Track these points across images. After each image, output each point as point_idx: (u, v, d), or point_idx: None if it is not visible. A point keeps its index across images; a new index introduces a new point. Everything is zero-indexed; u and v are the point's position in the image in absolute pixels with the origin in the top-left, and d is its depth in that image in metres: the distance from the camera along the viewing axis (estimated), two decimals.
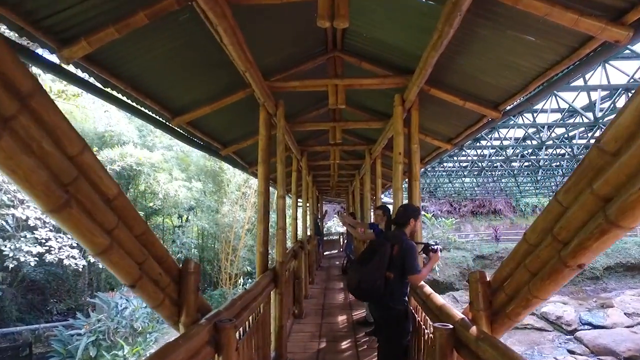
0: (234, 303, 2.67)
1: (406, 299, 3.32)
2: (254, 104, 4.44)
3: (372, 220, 6.67)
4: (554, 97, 9.69)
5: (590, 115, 9.09)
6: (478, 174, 19.18)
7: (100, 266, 17.54)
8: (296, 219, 7.64)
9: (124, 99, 3.48)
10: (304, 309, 6.63)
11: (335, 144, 7.13)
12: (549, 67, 3.09)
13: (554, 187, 24.72)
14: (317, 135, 7.75)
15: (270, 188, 4.66)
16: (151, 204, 20.23)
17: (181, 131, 4.63)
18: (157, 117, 4.08)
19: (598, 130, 11.19)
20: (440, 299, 2.70)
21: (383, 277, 3.22)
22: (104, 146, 17.67)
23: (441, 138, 5.76)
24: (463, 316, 2.24)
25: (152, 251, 1.95)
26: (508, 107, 4.07)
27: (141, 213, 20.77)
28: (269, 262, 4.33)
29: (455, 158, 16.00)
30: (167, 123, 4.23)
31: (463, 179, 21.21)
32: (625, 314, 17.03)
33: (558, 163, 17.91)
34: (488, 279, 2.19)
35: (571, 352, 14.65)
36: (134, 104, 3.61)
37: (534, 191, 25.17)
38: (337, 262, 13.74)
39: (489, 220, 31.11)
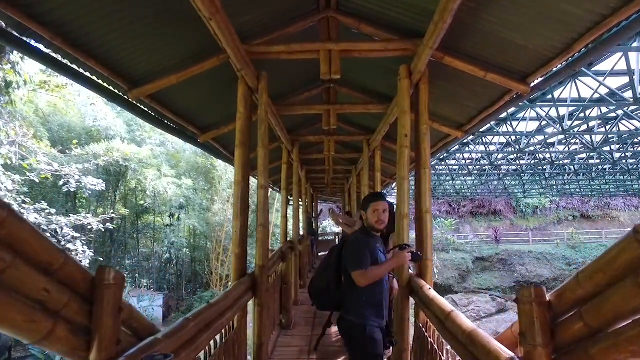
0: (184, 326, 1.93)
1: (368, 311, 2.60)
2: (232, 77, 3.70)
3: None
4: (530, 109, 9.83)
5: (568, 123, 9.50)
6: (480, 172, 18.48)
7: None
8: (286, 217, 6.87)
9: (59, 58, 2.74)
10: (292, 317, 5.90)
11: (330, 132, 6.44)
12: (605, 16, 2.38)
13: (558, 188, 24.15)
14: (310, 123, 7.02)
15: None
16: (142, 202, 19.45)
17: (144, 108, 3.89)
18: (111, 88, 3.34)
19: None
20: (468, 321, 1.96)
21: (333, 280, 2.82)
22: (91, 141, 16.91)
23: (450, 124, 5.04)
24: (512, 355, 1.50)
25: (27, 252, 1.21)
26: (538, 79, 3.36)
27: (131, 211, 20.05)
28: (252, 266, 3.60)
29: (459, 155, 15.30)
30: (123, 96, 3.49)
31: (464, 178, 20.47)
32: None
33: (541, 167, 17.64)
34: (548, 297, 1.45)
35: None
36: (74, 65, 2.88)
37: (536, 191, 24.53)
38: None
39: (489, 221, 30.42)
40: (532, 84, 3.36)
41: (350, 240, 2.71)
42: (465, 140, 12.85)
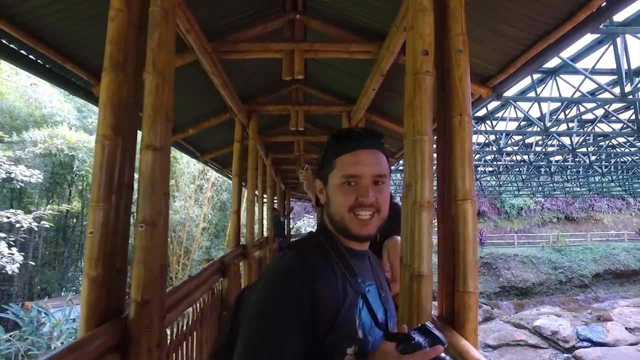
0: None
1: None
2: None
3: None
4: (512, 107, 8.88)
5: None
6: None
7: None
8: (238, 213, 5.09)
9: None
10: None
11: (299, 101, 4.79)
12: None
13: (544, 189, 23.19)
14: (270, 89, 5.33)
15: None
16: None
17: None
18: None
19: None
20: None
21: None
22: (36, 126, 14.72)
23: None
24: None
25: None
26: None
27: (80, 205, 17.90)
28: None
29: None
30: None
31: None
32: (626, 328, 15.31)
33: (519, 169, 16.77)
34: None
35: None
36: None
37: (521, 191, 23.52)
38: None
39: None
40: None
41: (263, 283, 0.88)
42: None
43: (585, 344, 14.57)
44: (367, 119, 4.99)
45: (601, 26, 4.52)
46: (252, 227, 5.36)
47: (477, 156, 13.64)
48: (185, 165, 16.55)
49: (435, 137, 1.94)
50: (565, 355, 14.19)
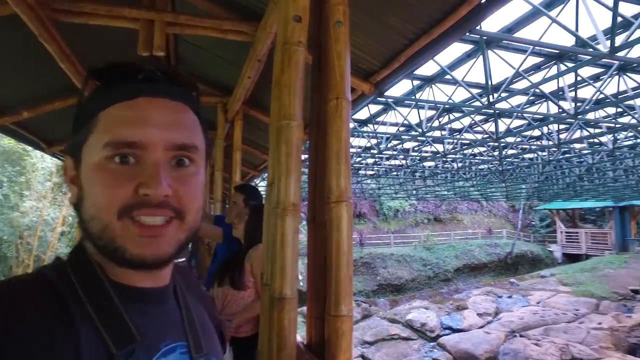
0: None
1: None
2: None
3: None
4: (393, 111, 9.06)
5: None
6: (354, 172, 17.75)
7: None
8: None
9: None
10: None
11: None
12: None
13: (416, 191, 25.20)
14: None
15: None
16: None
17: None
18: None
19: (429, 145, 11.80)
20: None
21: None
22: None
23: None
24: None
25: None
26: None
27: None
28: None
29: None
30: None
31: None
32: (477, 314, 17.32)
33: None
34: None
35: None
36: None
37: (397, 194, 25.22)
38: None
39: (354, 224, 30.60)
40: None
41: None
42: None
43: (447, 331, 16.03)
44: (245, 113, 4.55)
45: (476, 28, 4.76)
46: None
47: (359, 159, 14.07)
48: (39, 159, 14.09)
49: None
50: (431, 343, 15.43)
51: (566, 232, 29.25)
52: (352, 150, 12.08)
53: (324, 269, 1.43)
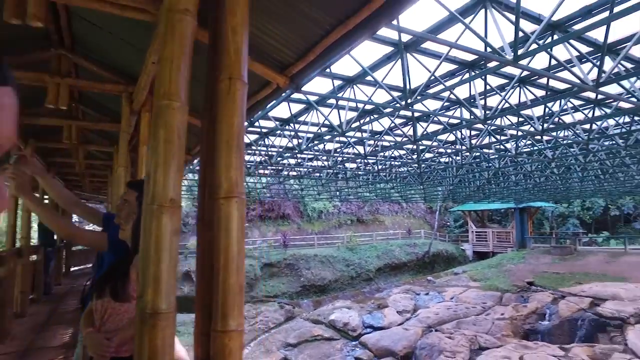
0: None
1: None
2: None
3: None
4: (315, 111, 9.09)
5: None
6: (276, 173, 17.48)
7: None
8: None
9: None
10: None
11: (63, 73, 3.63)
12: None
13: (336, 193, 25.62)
14: None
15: None
16: None
17: None
18: None
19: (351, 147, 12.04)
20: None
21: None
22: None
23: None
24: None
25: None
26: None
27: None
28: None
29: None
30: None
31: (259, 177, 19.19)
32: (397, 312, 17.99)
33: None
34: None
35: (358, 359, 14.28)
36: None
37: (319, 196, 25.42)
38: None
39: (277, 225, 30.27)
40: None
41: None
42: (249, 141, 11.24)
43: (368, 330, 16.41)
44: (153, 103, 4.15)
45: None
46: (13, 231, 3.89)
47: (280, 159, 13.86)
48: None
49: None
50: (354, 342, 15.69)
51: (476, 232, 31.75)
52: (273, 150, 11.86)
53: (212, 276, 1.22)
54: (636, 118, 9.73)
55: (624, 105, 7.95)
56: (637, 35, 4.77)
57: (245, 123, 6.65)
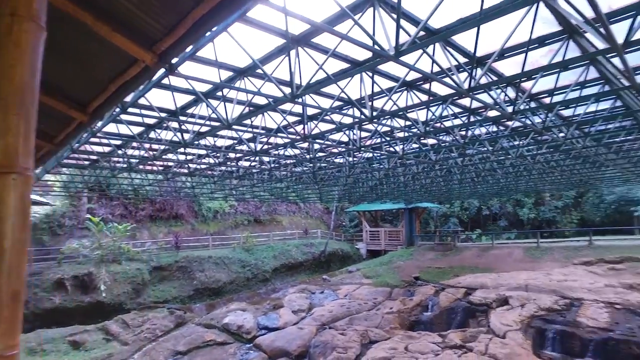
0: None
1: None
2: None
3: None
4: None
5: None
6: (164, 171, 16.30)
7: None
8: None
9: None
10: None
11: None
12: None
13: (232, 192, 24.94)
14: None
15: None
16: None
17: None
18: None
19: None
20: None
21: None
22: None
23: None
24: None
25: None
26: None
27: None
28: None
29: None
30: None
31: (145, 174, 17.72)
32: (292, 311, 18.07)
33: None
34: None
35: None
36: None
37: (212, 194, 24.43)
38: None
39: (169, 226, 28.29)
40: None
41: None
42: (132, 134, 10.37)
43: (263, 331, 16.18)
44: None
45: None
46: None
47: (171, 155, 12.99)
48: None
49: None
50: (248, 345, 15.34)
51: (370, 231, 33.58)
52: (158, 144, 10.96)
53: None
54: (501, 128, 11.07)
55: (491, 114, 8.98)
56: (496, 52, 5.39)
57: (118, 108, 5.90)
